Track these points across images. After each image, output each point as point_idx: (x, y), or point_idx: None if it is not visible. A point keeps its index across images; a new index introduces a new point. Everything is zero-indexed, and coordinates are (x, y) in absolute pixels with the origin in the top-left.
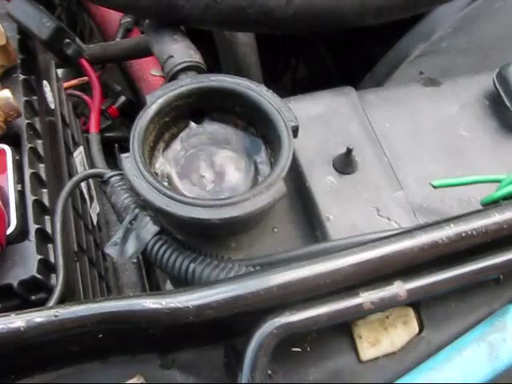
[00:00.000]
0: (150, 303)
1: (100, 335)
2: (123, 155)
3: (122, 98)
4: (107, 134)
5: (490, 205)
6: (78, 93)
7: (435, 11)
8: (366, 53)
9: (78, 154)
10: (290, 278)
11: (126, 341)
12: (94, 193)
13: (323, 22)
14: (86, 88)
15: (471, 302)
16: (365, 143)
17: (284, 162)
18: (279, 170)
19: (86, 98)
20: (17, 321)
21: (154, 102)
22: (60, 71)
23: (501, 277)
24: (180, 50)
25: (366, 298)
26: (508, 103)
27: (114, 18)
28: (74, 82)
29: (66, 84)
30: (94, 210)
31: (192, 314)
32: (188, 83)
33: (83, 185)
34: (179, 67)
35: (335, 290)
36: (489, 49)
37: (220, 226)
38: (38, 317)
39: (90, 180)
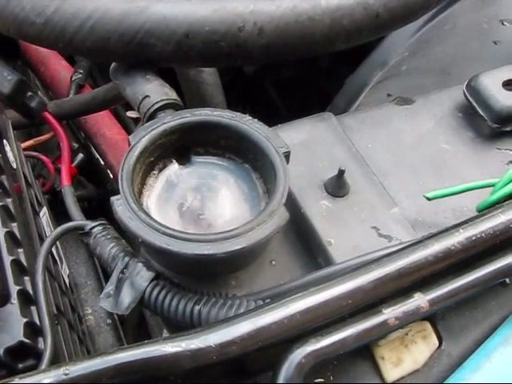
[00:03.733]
0: (169, 347)
1: None
2: (113, 198)
3: (80, 156)
4: None
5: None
6: (35, 153)
7: (385, 40)
8: (317, 90)
9: (43, 215)
10: (311, 302)
11: None
12: (61, 254)
13: (295, 48)
14: (39, 149)
15: (484, 308)
16: (352, 165)
17: (282, 188)
18: (279, 196)
19: (44, 157)
20: None
21: (139, 141)
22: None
23: (507, 280)
24: (155, 89)
25: (389, 314)
26: (481, 112)
27: (65, 75)
28: (30, 142)
29: (22, 145)
30: (65, 272)
31: (215, 353)
32: (170, 120)
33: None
34: (156, 106)
35: (357, 311)
36: (448, 67)
37: (224, 261)
38: (45, 378)
39: (57, 241)
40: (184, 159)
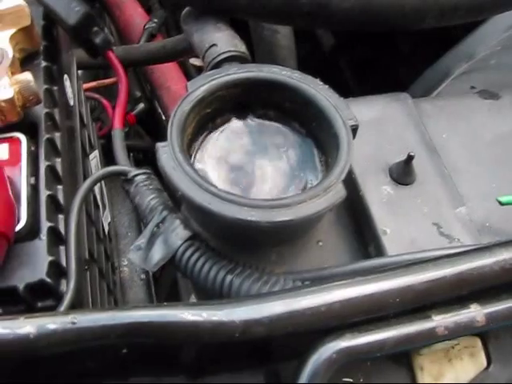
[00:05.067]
0: (189, 314)
1: (124, 350)
2: (159, 144)
3: (141, 106)
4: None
5: None
6: (97, 95)
7: (476, 30)
8: (394, 77)
9: (93, 158)
10: (355, 293)
11: (152, 359)
12: (106, 200)
13: (382, 18)
14: (103, 93)
15: None
16: (423, 153)
17: (343, 163)
18: (338, 171)
19: (104, 101)
20: (26, 326)
21: (197, 89)
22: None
23: None
24: (224, 39)
25: (439, 321)
26: None
27: (139, 22)
28: (92, 84)
29: (84, 85)
30: (106, 219)
31: (238, 331)
32: (234, 72)
33: (97, 190)
34: (223, 56)
35: (404, 311)
36: None
37: (267, 231)
38: (51, 323)
39: (104, 187)
40: (242, 117)
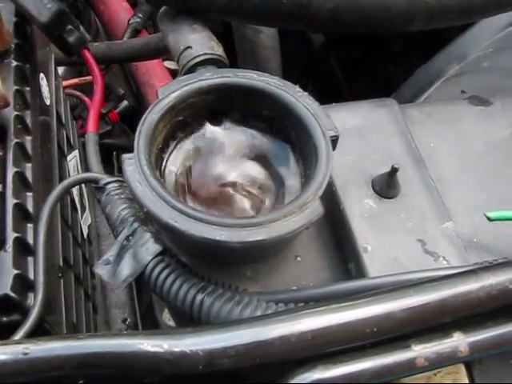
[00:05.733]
0: (149, 345)
1: (81, 382)
2: (125, 155)
3: (125, 103)
4: (106, 141)
5: None
6: (78, 93)
7: (468, 31)
8: (384, 76)
9: (72, 158)
10: (329, 322)
11: None
12: (86, 202)
13: (366, 20)
14: (86, 90)
15: None
16: (408, 163)
17: (321, 178)
18: (315, 186)
19: (86, 99)
20: None
21: (167, 96)
22: (61, 70)
23: None
24: (200, 41)
25: (419, 352)
26: None
27: (123, 17)
28: (74, 80)
29: (65, 82)
30: (86, 221)
31: (202, 363)
32: (209, 77)
33: (75, 192)
34: (197, 59)
35: (382, 340)
36: None
37: (239, 251)
38: (1, 353)
39: (84, 187)
40: (217, 125)
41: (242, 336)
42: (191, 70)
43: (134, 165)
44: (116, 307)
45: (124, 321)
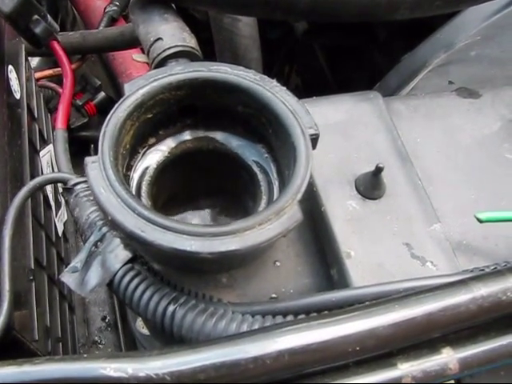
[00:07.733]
0: (111, 370)
1: None
2: (89, 159)
3: (102, 95)
4: (83, 133)
5: None
6: (52, 84)
7: (455, 18)
8: (369, 64)
9: (46, 153)
10: (307, 341)
11: None
12: (62, 199)
13: (350, 8)
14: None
15: None
16: (393, 161)
17: (300, 181)
18: (293, 190)
19: (61, 90)
20: None
21: (134, 93)
22: (36, 60)
23: None
24: (171, 32)
25: (405, 370)
26: None
27: (99, 5)
28: (48, 72)
29: (38, 74)
30: (61, 218)
31: None
32: (179, 71)
33: (49, 189)
34: (168, 52)
35: (365, 358)
36: None
37: (211, 261)
38: None
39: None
40: (189, 123)
41: (213, 358)
42: (162, 63)
43: (97, 169)
44: (95, 305)
45: (104, 319)
